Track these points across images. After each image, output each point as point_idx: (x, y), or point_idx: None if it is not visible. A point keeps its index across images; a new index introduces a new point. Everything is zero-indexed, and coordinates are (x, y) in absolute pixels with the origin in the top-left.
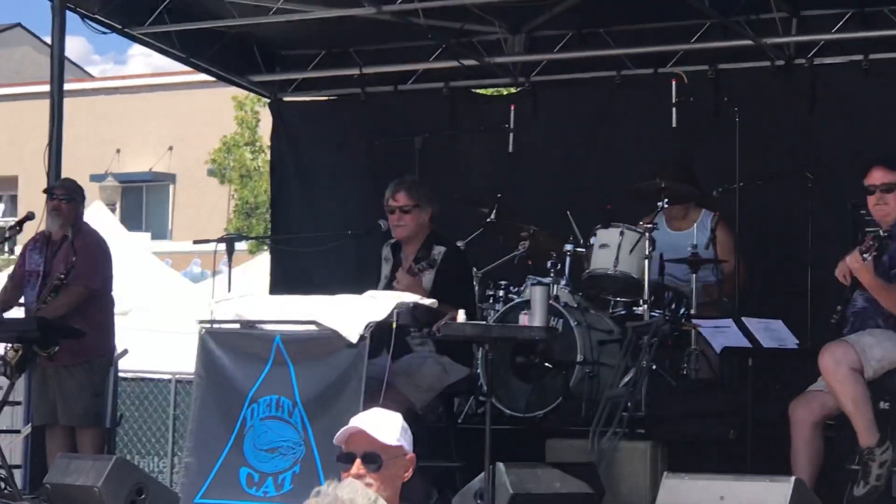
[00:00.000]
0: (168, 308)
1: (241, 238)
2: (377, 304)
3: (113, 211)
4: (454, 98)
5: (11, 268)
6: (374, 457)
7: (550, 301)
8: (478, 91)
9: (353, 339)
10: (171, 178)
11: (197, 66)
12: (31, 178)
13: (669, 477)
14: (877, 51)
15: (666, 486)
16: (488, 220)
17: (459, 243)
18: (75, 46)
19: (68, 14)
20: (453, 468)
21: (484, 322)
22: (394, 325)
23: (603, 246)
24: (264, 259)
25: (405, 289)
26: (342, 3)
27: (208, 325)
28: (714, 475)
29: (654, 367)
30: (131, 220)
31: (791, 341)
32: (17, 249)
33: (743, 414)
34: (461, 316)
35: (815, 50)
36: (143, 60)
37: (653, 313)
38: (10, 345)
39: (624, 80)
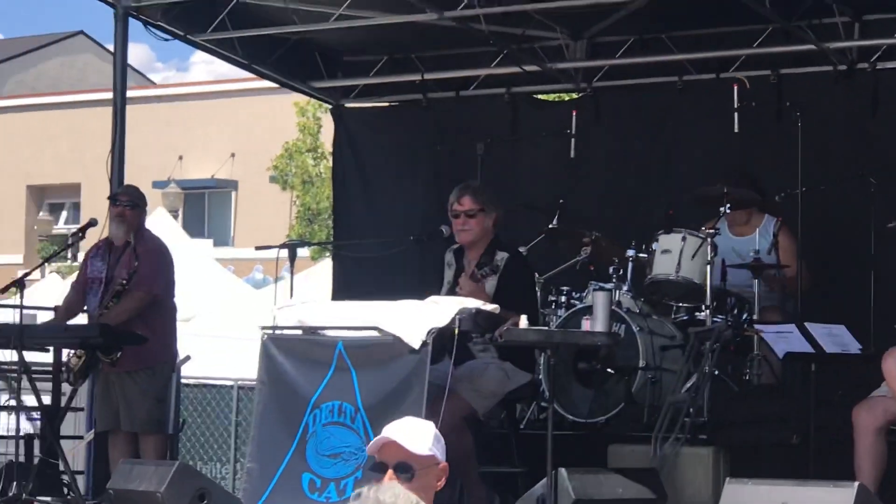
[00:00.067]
0: (230, 314)
1: (303, 244)
2: (439, 310)
3: (175, 217)
4: (516, 104)
5: (75, 275)
6: (406, 467)
7: (613, 306)
8: (539, 97)
9: (416, 344)
10: (233, 184)
11: (259, 72)
12: (94, 185)
13: (731, 482)
14: None
15: (728, 491)
16: (550, 225)
17: (522, 249)
18: (138, 54)
19: (131, 21)
20: (515, 474)
21: (546, 328)
22: (456, 331)
23: (665, 251)
24: (326, 265)
25: (468, 294)
26: (404, 10)
27: (270, 332)
28: (777, 480)
29: (716, 372)
30: (194, 227)
31: (854, 346)
32: (80, 256)
33: (805, 419)
34: (523, 322)
35: (877, 54)
36: (205, 67)
37: (715, 318)
38: (73, 351)
39: (686, 86)
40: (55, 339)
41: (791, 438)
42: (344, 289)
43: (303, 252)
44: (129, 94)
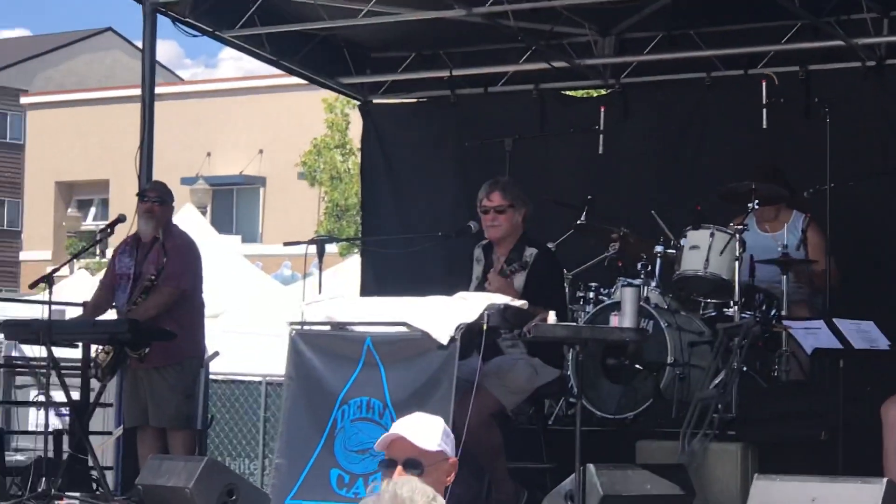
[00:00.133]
0: (259, 310)
1: (331, 240)
2: (468, 306)
3: (204, 214)
4: (544, 100)
5: (103, 271)
6: (415, 463)
7: (641, 302)
8: (568, 93)
9: (444, 340)
10: (261, 180)
11: (287, 68)
12: (123, 181)
13: (760, 478)
14: None
15: (757, 487)
16: (579, 221)
17: (550, 245)
18: (166, 50)
19: (159, 18)
20: (544, 469)
21: (574, 323)
22: (484, 327)
23: (693, 247)
24: (355, 261)
25: (496, 290)
26: (432, 6)
27: (299, 327)
28: (805, 476)
29: (744, 368)
30: (222, 223)
31: (883, 342)
32: (109, 253)
33: (834, 415)
34: (552, 317)
35: None
36: (233, 64)
37: (743, 315)
38: (101, 347)
39: (714, 82)
40: (84, 335)
41: (819, 435)
42: (372, 285)
43: (331, 248)
44: (158, 90)
